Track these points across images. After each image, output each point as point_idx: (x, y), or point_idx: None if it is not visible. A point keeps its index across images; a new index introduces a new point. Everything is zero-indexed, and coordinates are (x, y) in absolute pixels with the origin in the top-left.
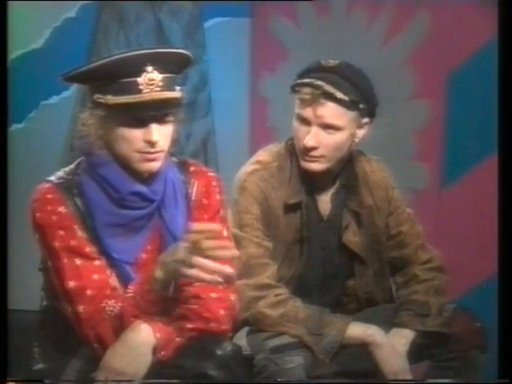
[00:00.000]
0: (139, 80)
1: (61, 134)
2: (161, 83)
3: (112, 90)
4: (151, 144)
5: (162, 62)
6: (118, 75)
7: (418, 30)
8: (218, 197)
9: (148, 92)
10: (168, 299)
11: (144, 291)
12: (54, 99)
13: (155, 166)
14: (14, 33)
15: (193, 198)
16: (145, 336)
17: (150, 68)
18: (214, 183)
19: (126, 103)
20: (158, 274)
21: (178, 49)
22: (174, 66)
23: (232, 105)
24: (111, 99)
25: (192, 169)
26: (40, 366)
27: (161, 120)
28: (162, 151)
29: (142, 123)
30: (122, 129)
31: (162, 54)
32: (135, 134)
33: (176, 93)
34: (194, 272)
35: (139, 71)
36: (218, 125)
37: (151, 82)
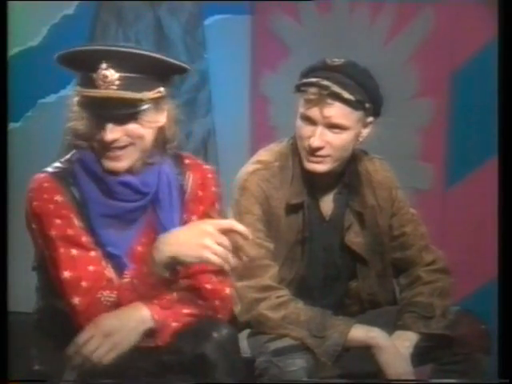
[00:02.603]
0: (94, 75)
1: (59, 132)
2: (117, 82)
3: (79, 81)
4: (105, 143)
5: (120, 61)
6: (79, 67)
7: (421, 28)
8: (213, 189)
9: (104, 89)
10: (166, 282)
11: (142, 274)
12: (51, 98)
13: (118, 165)
14: (11, 30)
15: (188, 190)
16: (143, 316)
17: (104, 65)
18: (209, 175)
19: (87, 96)
20: (157, 255)
21: (136, 49)
22: (139, 67)
23: (232, 103)
24: (78, 90)
25: (186, 161)
26: (38, 366)
27: (121, 119)
28: (124, 149)
29: (99, 120)
30: (89, 122)
31: (116, 52)
32: (96, 130)
33: (135, 94)
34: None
35: (95, 67)
36: (218, 124)
37: (105, 79)
